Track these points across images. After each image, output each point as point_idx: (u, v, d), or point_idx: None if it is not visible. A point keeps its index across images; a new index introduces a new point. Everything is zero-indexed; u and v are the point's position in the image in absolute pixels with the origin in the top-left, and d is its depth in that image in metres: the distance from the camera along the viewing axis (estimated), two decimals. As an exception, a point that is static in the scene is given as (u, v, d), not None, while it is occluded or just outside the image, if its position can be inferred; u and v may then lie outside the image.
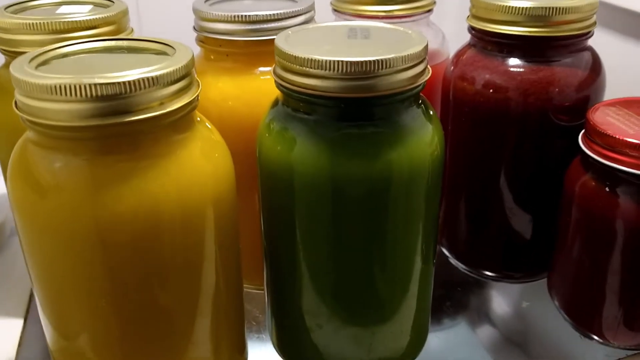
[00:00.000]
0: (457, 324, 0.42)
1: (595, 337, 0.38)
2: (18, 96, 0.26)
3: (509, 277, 0.44)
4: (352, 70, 0.28)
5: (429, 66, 0.31)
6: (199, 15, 0.39)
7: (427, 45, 0.30)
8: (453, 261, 0.46)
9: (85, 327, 0.29)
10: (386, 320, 0.34)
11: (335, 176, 0.29)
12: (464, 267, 0.45)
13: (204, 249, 0.28)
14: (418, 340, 0.37)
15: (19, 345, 0.40)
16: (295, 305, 0.34)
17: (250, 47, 0.38)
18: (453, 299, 0.44)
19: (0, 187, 0.53)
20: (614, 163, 0.33)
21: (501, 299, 0.44)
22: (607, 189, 0.34)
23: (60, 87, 0.24)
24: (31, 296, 0.44)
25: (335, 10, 0.46)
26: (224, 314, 0.31)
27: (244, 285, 0.43)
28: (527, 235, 0.42)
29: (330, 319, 0.33)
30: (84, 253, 0.26)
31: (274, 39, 0.31)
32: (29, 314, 0.42)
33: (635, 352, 0.37)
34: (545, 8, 0.36)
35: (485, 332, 0.42)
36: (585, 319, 0.38)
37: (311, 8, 0.39)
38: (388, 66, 0.28)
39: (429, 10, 0.46)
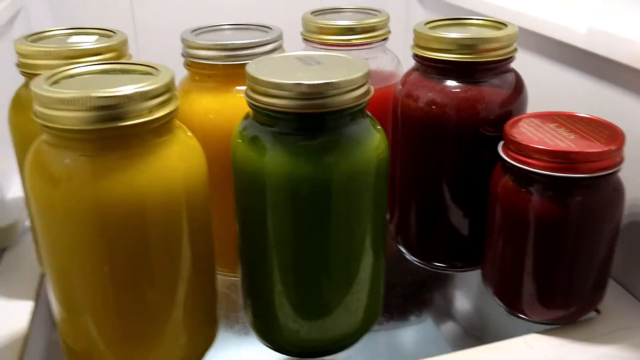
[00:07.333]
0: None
1: (520, 315, 0.44)
2: (36, 107, 0.33)
3: (453, 267, 0.51)
4: (307, 91, 0.34)
5: (371, 86, 0.37)
6: (186, 44, 0.46)
7: (368, 70, 0.36)
8: (408, 256, 0.53)
9: (87, 298, 0.35)
10: (341, 302, 0.39)
11: (294, 177, 0.35)
12: (416, 260, 0.52)
13: (179, 229, 0.35)
14: (369, 317, 0.42)
15: (31, 322, 0.46)
16: (265, 291, 0.39)
17: (228, 70, 0.45)
18: (404, 287, 0.51)
19: (11, 191, 0.61)
20: (524, 165, 0.40)
21: (448, 286, 0.51)
22: (521, 188, 0.41)
23: (71, 99, 0.31)
24: (40, 283, 0.51)
25: (304, 39, 0.53)
26: (198, 285, 0.38)
27: (233, 276, 0.49)
28: (465, 230, 0.48)
29: (294, 303, 0.39)
30: (87, 230, 0.33)
31: (247, 63, 0.38)
32: (38, 297, 0.49)
33: (552, 326, 0.43)
34: (473, 38, 0.44)
35: (438, 312, 0.49)
36: (511, 300, 0.44)
37: (279, 38, 0.47)
38: (336, 87, 0.34)
39: (385, 39, 0.53)
